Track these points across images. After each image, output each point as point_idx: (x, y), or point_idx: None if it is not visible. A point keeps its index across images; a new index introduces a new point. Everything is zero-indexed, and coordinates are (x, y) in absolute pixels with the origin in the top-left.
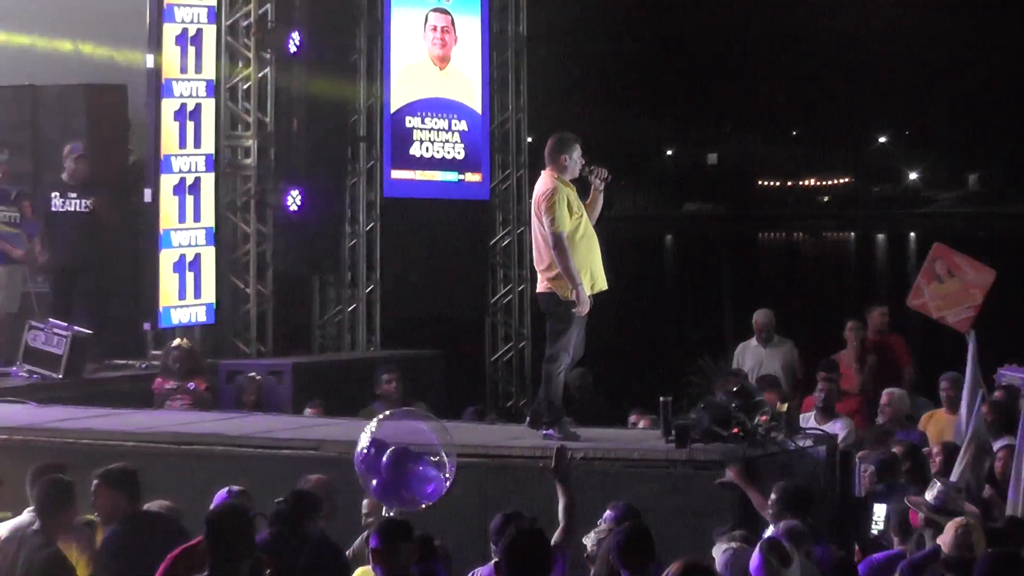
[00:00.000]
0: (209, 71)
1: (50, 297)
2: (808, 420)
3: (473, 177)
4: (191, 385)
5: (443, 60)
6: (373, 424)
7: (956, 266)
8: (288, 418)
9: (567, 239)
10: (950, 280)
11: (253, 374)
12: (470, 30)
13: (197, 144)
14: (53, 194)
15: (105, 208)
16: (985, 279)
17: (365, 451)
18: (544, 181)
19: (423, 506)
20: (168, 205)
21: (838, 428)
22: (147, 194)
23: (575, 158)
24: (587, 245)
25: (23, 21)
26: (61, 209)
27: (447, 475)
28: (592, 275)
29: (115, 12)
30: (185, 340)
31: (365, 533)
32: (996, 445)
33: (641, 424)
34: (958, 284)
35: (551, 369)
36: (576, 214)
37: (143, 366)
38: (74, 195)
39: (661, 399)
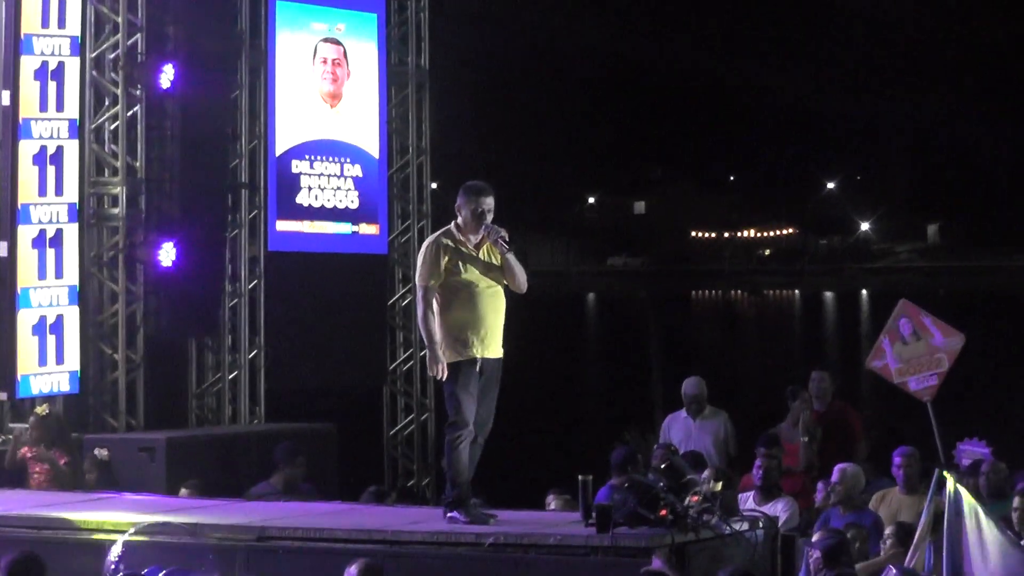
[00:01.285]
0: (72, 109)
1: None
2: (747, 501)
3: (369, 228)
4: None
5: (334, 97)
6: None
7: (923, 327)
8: (162, 499)
9: (441, 295)
10: (915, 342)
11: (96, 451)
12: (365, 61)
13: (59, 191)
14: None
15: None
16: (954, 344)
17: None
18: (437, 231)
19: None
20: (26, 260)
21: (780, 509)
22: (2, 247)
23: (470, 209)
24: (470, 306)
25: None
26: None
27: None
28: (473, 337)
29: None
30: (44, 407)
31: None
32: None
33: (552, 505)
34: (924, 347)
35: (449, 443)
36: (459, 271)
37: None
38: None
39: (580, 478)
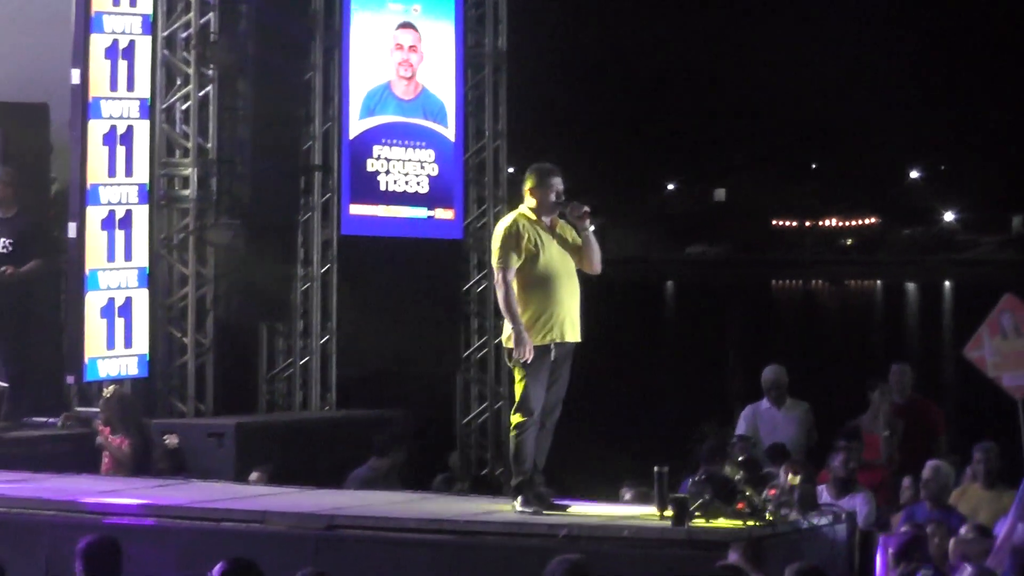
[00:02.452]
0: (143, 89)
1: None
2: (822, 494)
3: (444, 213)
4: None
5: (409, 80)
6: None
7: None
8: (230, 486)
9: (516, 279)
10: (1015, 338)
11: (165, 438)
12: (442, 44)
13: (128, 172)
14: None
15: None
16: None
17: None
18: (508, 215)
19: None
20: (95, 242)
21: (857, 503)
22: (71, 228)
23: (544, 191)
24: (547, 289)
25: None
26: None
27: None
28: (548, 322)
29: (36, 19)
30: (111, 388)
31: None
32: None
33: (627, 496)
34: (1022, 344)
35: (513, 432)
36: (537, 252)
37: (70, 424)
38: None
39: (656, 469)
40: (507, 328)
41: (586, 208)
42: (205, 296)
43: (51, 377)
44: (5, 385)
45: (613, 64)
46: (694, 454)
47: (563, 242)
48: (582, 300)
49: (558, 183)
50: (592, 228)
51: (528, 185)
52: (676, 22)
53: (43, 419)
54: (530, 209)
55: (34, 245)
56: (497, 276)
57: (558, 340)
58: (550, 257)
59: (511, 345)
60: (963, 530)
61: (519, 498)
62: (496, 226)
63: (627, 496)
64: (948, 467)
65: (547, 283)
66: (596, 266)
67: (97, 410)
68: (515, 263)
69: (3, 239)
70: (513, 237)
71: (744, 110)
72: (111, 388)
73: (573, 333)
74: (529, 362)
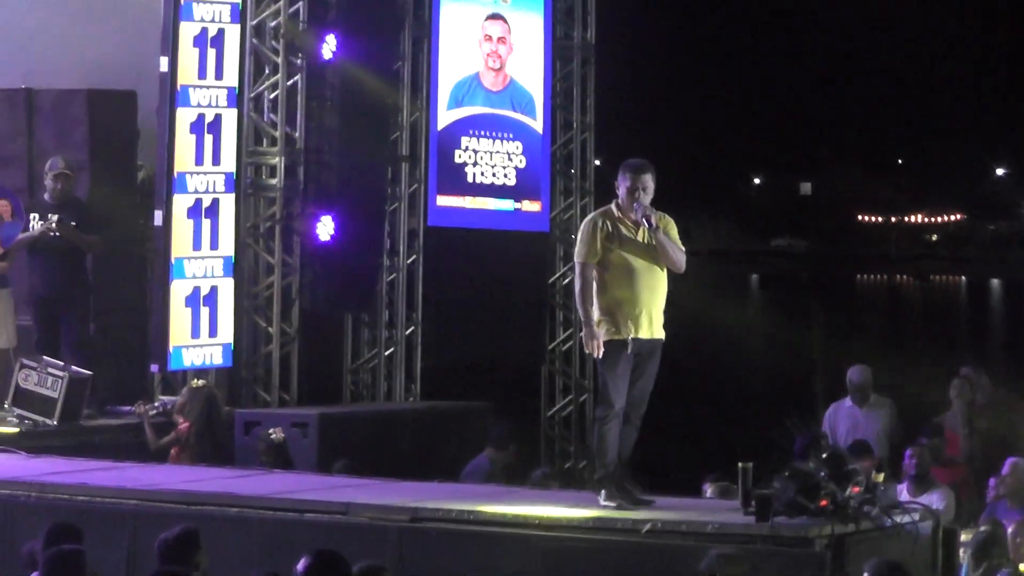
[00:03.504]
0: (231, 77)
1: (35, 332)
2: (901, 492)
3: (531, 206)
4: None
5: (498, 72)
6: None
7: None
8: (313, 477)
9: (597, 273)
10: None
11: (271, 432)
12: (530, 35)
13: (216, 161)
14: (32, 215)
15: (70, 231)
16: None
17: None
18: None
19: None
20: (181, 230)
21: (935, 500)
22: (157, 216)
23: (627, 187)
24: (624, 283)
25: (18, 11)
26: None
27: None
28: (627, 317)
29: (126, 6)
30: (200, 381)
31: None
32: None
33: (709, 492)
34: None
35: (595, 422)
36: (618, 248)
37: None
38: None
39: (740, 465)
40: (582, 320)
41: (649, 212)
42: (291, 285)
43: (136, 365)
44: (89, 373)
45: (700, 57)
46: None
47: (648, 239)
48: (671, 293)
49: (642, 180)
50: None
51: (617, 180)
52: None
53: (127, 408)
54: (616, 205)
55: (91, 226)
56: (576, 269)
57: (634, 335)
58: (628, 253)
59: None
60: None
61: (602, 492)
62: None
63: (710, 491)
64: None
65: (625, 278)
66: (676, 265)
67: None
68: (591, 258)
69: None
70: (590, 232)
71: (830, 104)
72: (200, 381)
73: (652, 329)
74: (601, 357)
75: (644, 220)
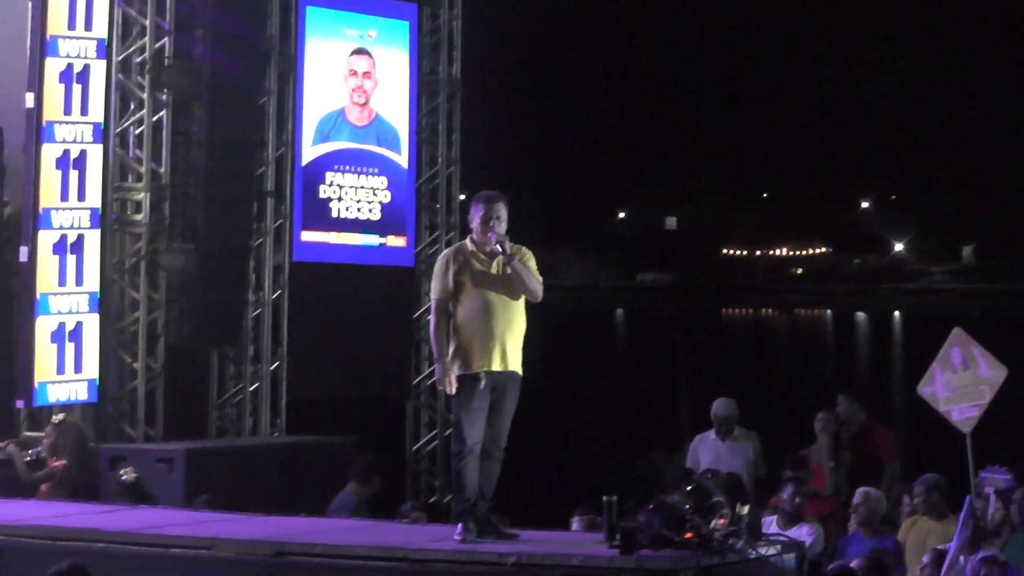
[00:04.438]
0: (97, 113)
1: None
2: (770, 524)
3: (396, 240)
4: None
5: (363, 107)
6: None
7: (972, 357)
8: (179, 512)
9: (451, 308)
10: (963, 372)
11: (122, 473)
12: (396, 70)
13: (81, 197)
14: None
15: None
16: (997, 376)
17: None
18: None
19: None
20: (46, 266)
21: (804, 534)
22: (23, 252)
23: (480, 217)
24: (477, 318)
25: None
26: None
27: None
28: (480, 351)
29: None
30: (61, 415)
31: None
32: (977, 557)
33: (575, 526)
34: (970, 377)
35: (453, 457)
36: (472, 283)
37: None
38: None
39: (605, 498)
40: (435, 356)
41: (498, 246)
42: (156, 321)
43: (1, 401)
44: None
45: (565, 92)
46: (643, 482)
47: (501, 271)
48: (533, 328)
49: (495, 209)
50: (510, 260)
51: (470, 212)
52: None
53: None
54: (470, 237)
55: None
56: (431, 306)
57: (487, 369)
58: (482, 287)
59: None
60: (925, 559)
61: (460, 526)
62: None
63: (576, 525)
64: (877, 493)
65: (478, 313)
66: (532, 295)
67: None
68: (444, 294)
69: None
70: (443, 268)
71: (695, 138)
72: (60, 415)
73: (507, 362)
74: (455, 393)
75: (498, 247)
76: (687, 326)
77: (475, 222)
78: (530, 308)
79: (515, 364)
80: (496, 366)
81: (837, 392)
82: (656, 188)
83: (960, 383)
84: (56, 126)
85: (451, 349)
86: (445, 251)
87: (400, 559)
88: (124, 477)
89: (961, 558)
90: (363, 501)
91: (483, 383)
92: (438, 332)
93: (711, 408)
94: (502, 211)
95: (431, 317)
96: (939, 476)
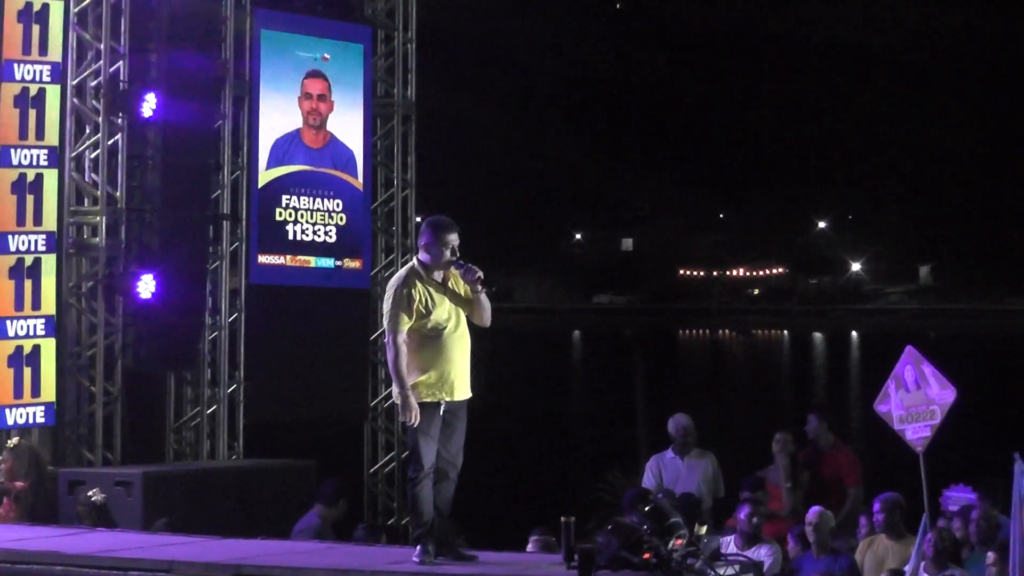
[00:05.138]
0: (52, 137)
1: None
2: (728, 544)
3: (352, 263)
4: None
5: (318, 129)
6: None
7: (923, 376)
8: (138, 535)
9: (408, 337)
10: (916, 391)
11: (91, 494)
12: (351, 93)
13: (37, 221)
14: None
15: None
16: (946, 398)
17: None
18: (401, 271)
19: None
20: (3, 289)
21: (763, 555)
22: None
23: (440, 247)
24: (438, 347)
25: None
26: None
27: None
28: (439, 380)
29: None
30: (16, 439)
31: None
32: None
33: (531, 547)
34: (922, 397)
35: (408, 483)
36: (428, 312)
37: None
38: None
39: (563, 519)
40: (395, 387)
41: (480, 275)
42: (113, 345)
43: None
44: None
45: (521, 114)
46: (600, 503)
47: (455, 296)
48: (486, 350)
49: (454, 239)
50: (484, 291)
51: (423, 240)
52: (582, 72)
53: None
54: (421, 263)
55: None
56: (388, 338)
57: (447, 399)
58: (441, 315)
59: (398, 403)
60: None
61: (418, 548)
62: (388, 285)
63: (532, 546)
64: (826, 512)
65: (437, 342)
66: (486, 321)
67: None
68: (405, 325)
69: None
70: (404, 298)
71: (651, 160)
72: (16, 439)
73: (463, 390)
74: (417, 422)
75: (476, 282)
76: (644, 347)
77: (433, 250)
78: (485, 331)
79: (468, 390)
80: (456, 395)
81: (797, 412)
82: (612, 210)
83: (912, 402)
84: (12, 150)
85: (413, 379)
86: (400, 281)
87: None
88: (94, 498)
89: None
90: (328, 524)
91: (442, 410)
92: (398, 363)
93: (668, 425)
94: (457, 238)
95: (388, 348)
96: (898, 495)
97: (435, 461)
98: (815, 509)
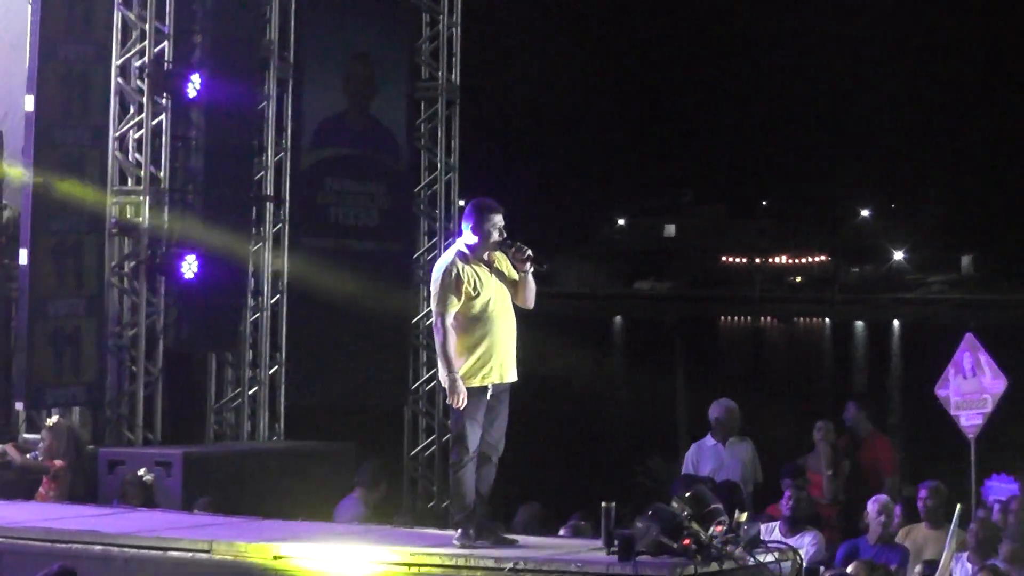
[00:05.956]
0: (96, 117)
1: None
2: (772, 531)
3: (394, 246)
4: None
5: (362, 112)
6: None
7: (979, 364)
8: (177, 515)
9: (455, 320)
10: (972, 378)
11: (142, 473)
12: (395, 76)
13: (80, 200)
14: None
15: None
16: (997, 387)
17: None
18: (446, 253)
19: None
20: (45, 269)
21: (807, 542)
22: (22, 256)
23: (487, 229)
24: (485, 330)
25: None
26: None
27: None
28: (487, 364)
29: None
30: (56, 418)
31: None
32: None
33: (562, 531)
34: (976, 385)
35: (451, 466)
36: (476, 294)
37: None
38: None
39: (603, 504)
40: (443, 370)
41: (529, 252)
42: (155, 324)
43: (0, 403)
44: None
45: (565, 99)
46: (641, 489)
47: (500, 276)
48: (528, 335)
49: (499, 220)
50: (533, 269)
51: (469, 222)
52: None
53: None
54: (467, 246)
55: None
56: (436, 321)
57: (495, 382)
58: (489, 297)
59: (446, 386)
60: (917, 569)
61: (458, 531)
62: (435, 267)
63: (564, 531)
64: (889, 501)
65: (485, 324)
66: (531, 303)
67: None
68: (454, 307)
69: None
70: (453, 280)
71: (695, 146)
72: (55, 418)
73: (510, 373)
74: (464, 406)
75: (529, 260)
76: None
77: (479, 232)
78: (526, 316)
79: (514, 373)
80: (504, 377)
81: (837, 400)
82: (654, 197)
83: (968, 389)
84: (56, 130)
85: (461, 362)
86: (445, 263)
87: (398, 563)
88: (144, 477)
89: (963, 566)
90: (370, 507)
91: (489, 394)
92: (446, 345)
93: (710, 410)
94: (502, 221)
95: (436, 330)
96: (940, 483)
97: (479, 445)
98: (875, 497)
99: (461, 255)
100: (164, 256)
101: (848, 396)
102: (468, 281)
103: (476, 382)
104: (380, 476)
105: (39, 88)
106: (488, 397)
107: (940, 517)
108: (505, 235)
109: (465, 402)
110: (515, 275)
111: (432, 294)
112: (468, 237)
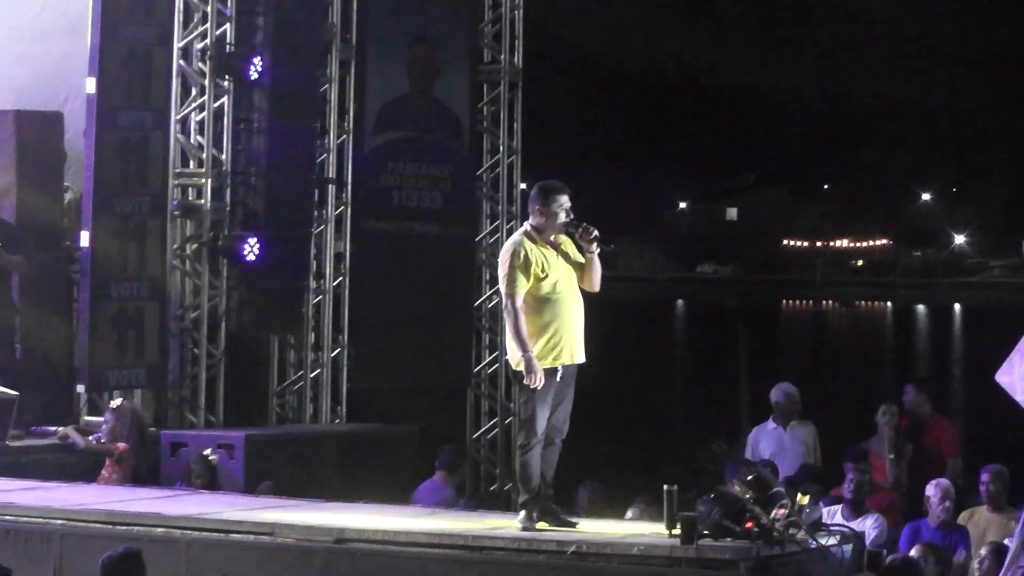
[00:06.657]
0: (158, 99)
1: None
2: (834, 515)
3: (457, 229)
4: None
5: (425, 95)
6: None
7: None
8: (239, 497)
9: (524, 302)
10: None
11: (208, 452)
12: (457, 58)
13: (142, 183)
14: None
15: None
16: None
17: None
18: (513, 235)
19: None
20: (107, 251)
21: (869, 525)
22: (83, 238)
23: (554, 210)
24: (555, 311)
25: None
26: None
27: None
28: (557, 345)
29: (53, 28)
30: (120, 400)
31: None
32: None
33: (629, 514)
34: None
35: (519, 448)
36: (544, 275)
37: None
38: None
39: (665, 488)
40: (514, 352)
41: (596, 233)
42: (217, 307)
43: (62, 386)
44: (15, 394)
45: (627, 82)
46: (703, 473)
47: (566, 258)
48: (590, 319)
49: (566, 201)
50: (599, 250)
51: (535, 205)
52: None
53: (53, 428)
54: (534, 227)
55: (17, 246)
56: (506, 302)
57: (566, 363)
58: (557, 278)
59: (520, 368)
60: (983, 551)
61: (521, 513)
62: (503, 249)
63: (634, 514)
64: (951, 486)
65: (554, 305)
66: (596, 285)
67: (102, 420)
68: (523, 288)
69: None
70: (522, 262)
71: (757, 130)
72: (118, 400)
73: (579, 354)
74: (539, 386)
75: (592, 234)
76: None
77: (545, 213)
78: (590, 300)
79: (582, 355)
80: (571, 359)
81: (899, 384)
82: (716, 180)
83: None
84: (117, 112)
85: (535, 343)
86: (514, 244)
87: (461, 546)
88: (211, 457)
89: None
90: (455, 490)
91: (559, 375)
92: (519, 328)
93: (772, 393)
94: (568, 202)
95: (507, 313)
96: (1004, 467)
97: (546, 428)
98: (935, 481)
99: (528, 236)
100: (226, 238)
101: (907, 381)
102: (536, 263)
103: (547, 363)
104: (461, 459)
105: (101, 70)
106: (558, 379)
107: (1002, 501)
108: (572, 216)
109: (542, 381)
110: (581, 257)
111: (501, 276)
112: (535, 218)
